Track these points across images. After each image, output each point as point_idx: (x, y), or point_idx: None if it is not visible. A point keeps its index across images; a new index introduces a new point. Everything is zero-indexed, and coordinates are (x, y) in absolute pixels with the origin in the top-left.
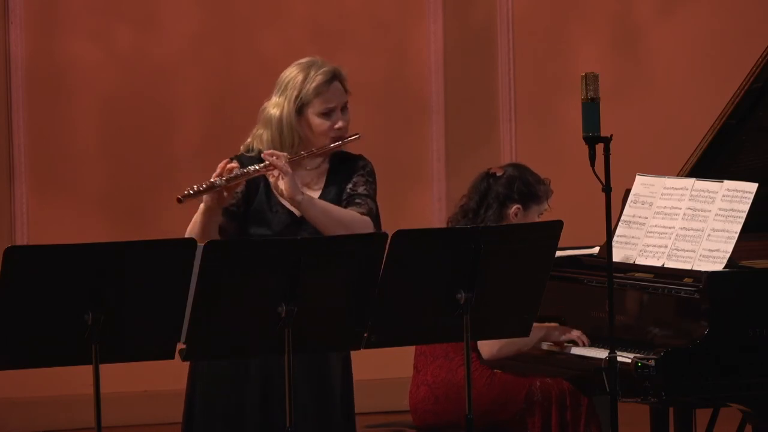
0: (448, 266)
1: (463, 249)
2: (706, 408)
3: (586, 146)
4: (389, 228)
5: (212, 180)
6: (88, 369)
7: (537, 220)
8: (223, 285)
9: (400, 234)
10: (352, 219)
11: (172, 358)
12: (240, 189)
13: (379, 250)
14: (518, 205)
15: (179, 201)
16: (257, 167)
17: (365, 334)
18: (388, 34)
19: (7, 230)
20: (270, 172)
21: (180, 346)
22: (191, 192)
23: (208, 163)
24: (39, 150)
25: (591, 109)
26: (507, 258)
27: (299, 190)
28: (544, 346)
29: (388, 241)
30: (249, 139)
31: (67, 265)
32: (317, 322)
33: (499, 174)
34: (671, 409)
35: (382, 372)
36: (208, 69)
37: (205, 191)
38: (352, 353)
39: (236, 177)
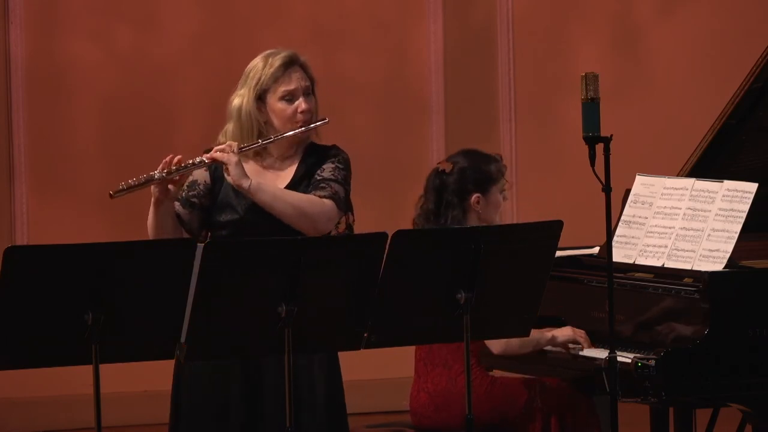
0: (448, 266)
1: (463, 249)
2: (706, 408)
3: (586, 146)
4: (389, 228)
5: (151, 173)
6: (88, 369)
7: (500, 197)
8: (223, 285)
9: (400, 234)
10: (309, 203)
11: (172, 358)
12: (204, 180)
13: (379, 250)
14: (477, 194)
15: (111, 196)
16: (199, 159)
17: (365, 334)
18: (388, 34)
19: (7, 230)
20: (221, 163)
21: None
22: (124, 187)
23: None
24: (39, 150)
25: (591, 109)
26: (507, 258)
27: (245, 177)
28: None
29: (388, 241)
30: (220, 134)
31: (67, 265)
32: (317, 322)
33: (448, 170)
34: (671, 409)
35: (382, 372)
36: (208, 69)
37: (139, 186)
38: (353, 353)
39: (178, 170)
